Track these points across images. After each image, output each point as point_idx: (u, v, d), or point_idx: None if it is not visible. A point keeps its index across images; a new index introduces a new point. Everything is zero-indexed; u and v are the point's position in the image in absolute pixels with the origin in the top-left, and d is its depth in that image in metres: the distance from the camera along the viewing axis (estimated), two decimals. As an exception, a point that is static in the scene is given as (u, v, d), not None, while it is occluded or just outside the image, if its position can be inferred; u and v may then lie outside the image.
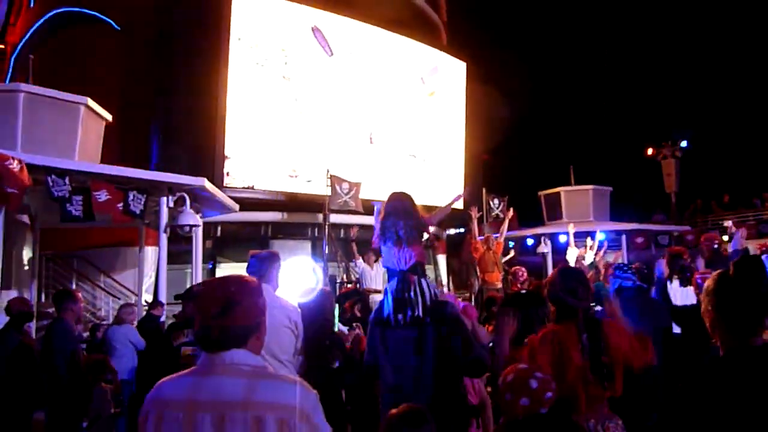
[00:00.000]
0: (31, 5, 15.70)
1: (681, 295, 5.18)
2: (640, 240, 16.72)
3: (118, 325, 6.98)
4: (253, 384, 1.64)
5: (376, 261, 10.56)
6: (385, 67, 15.44)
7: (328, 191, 12.35)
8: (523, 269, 9.37)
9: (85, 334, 8.70)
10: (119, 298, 12.11)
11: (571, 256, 11.96)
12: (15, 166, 6.46)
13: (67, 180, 7.12)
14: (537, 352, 2.68)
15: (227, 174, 12.51)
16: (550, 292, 2.88)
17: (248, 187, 12.79)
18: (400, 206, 3.49)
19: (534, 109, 22.89)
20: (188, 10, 12.95)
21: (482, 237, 10.94)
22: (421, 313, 3.30)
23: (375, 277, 10.58)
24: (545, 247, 16.56)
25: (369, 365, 3.41)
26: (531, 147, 21.90)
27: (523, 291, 6.82)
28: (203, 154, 12.41)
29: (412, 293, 3.34)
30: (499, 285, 10.17)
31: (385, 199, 3.65)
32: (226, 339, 1.69)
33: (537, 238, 16.83)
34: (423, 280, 3.42)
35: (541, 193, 18.09)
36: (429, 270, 16.69)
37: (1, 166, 6.29)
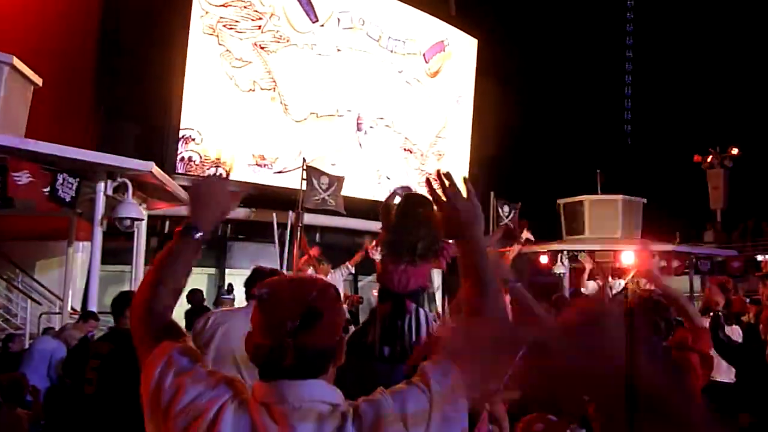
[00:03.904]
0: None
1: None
2: (676, 264, 16.82)
3: (51, 338, 6.94)
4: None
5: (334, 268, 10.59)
6: (379, 38, 15.46)
7: (303, 185, 12.30)
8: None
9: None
10: (40, 303, 12.00)
11: (590, 287, 11.99)
12: None
13: (-21, 156, 7.04)
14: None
15: (189, 159, 12.47)
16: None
17: (215, 176, 12.70)
18: (421, 214, 3.41)
19: (557, 101, 22.95)
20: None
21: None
22: (410, 350, 3.27)
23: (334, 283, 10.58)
24: (562, 267, 16.61)
25: None
26: (551, 146, 21.95)
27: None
28: (153, 133, 12.34)
29: (405, 324, 3.30)
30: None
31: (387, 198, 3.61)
32: (302, 366, 1.51)
33: (553, 255, 16.84)
34: (421, 310, 3.38)
35: (561, 201, 18.14)
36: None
37: None
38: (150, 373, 1.61)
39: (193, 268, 1.84)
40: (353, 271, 11.61)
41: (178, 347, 1.64)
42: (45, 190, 7.24)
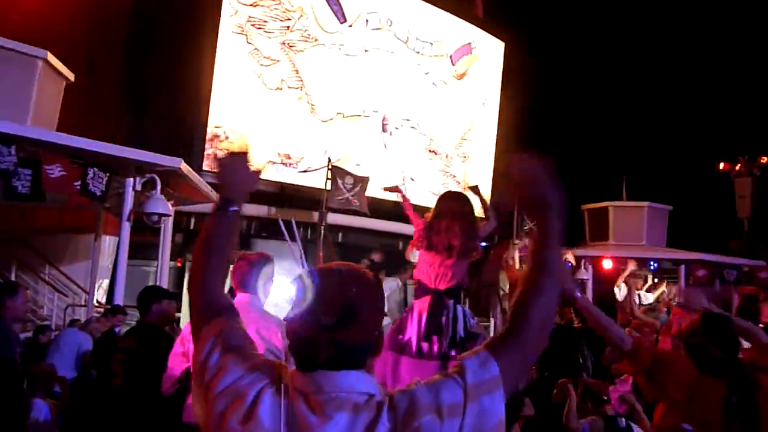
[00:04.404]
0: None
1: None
2: (701, 273, 16.65)
3: (77, 330, 7.04)
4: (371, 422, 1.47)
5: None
6: (407, 39, 15.48)
7: (328, 185, 12.35)
8: None
9: (22, 336, 8.75)
10: (66, 295, 12.19)
11: (620, 291, 11.92)
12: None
13: (13, 150, 7.15)
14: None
15: (215, 156, 12.56)
16: (690, 342, 2.90)
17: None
18: (458, 209, 3.43)
19: (583, 106, 22.82)
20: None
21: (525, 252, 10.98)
22: (447, 347, 3.27)
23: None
24: (585, 273, 16.49)
25: None
26: (577, 151, 21.81)
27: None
28: (181, 130, 12.45)
29: (443, 319, 3.29)
30: None
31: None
32: (338, 360, 1.51)
33: (576, 261, 16.73)
34: (459, 307, 3.38)
35: (585, 207, 18.05)
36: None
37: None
38: (200, 347, 1.65)
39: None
40: (400, 284, 11.80)
41: (230, 326, 1.68)
42: (76, 183, 7.35)
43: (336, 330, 1.49)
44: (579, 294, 3.31)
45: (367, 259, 11.53)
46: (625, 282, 11.92)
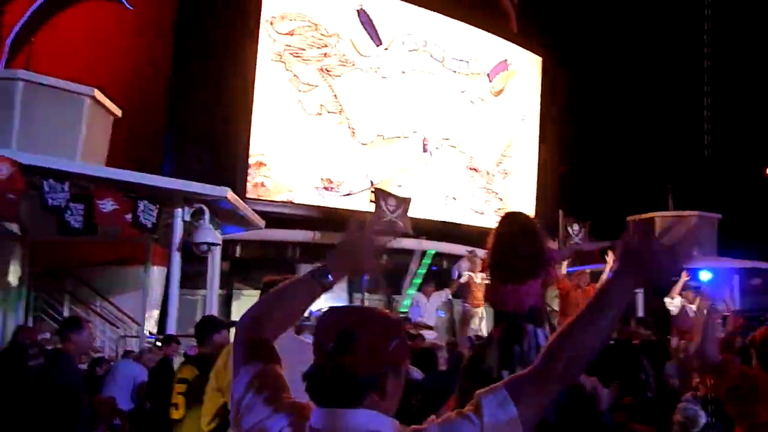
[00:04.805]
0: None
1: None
2: (756, 282, 16.21)
3: (132, 361, 7.12)
4: None
5: (436, 290, 11.62)
6: (443, 59, 15.51)
7: (370, 207, 12.39)
8: None
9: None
10: (118, 327, 12.34)
11: (674, 304, 11.67)
12: (3, 173, 6.67)
13: (66, 186, 7.31)
14: None
15: (262, 185, 12.75)
16: (762, 352, 2.85)
17: (286, 202, 13.00)
18: (518, 230, 3.36)
19: (625, 115, 22.51)
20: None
21: (572, 269, 10.85)
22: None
23: (429, 309, 11.08)
24: (635, 286, 16.20)
25: None
26: (620, 161, 21.51)
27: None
28: (224, 159, 12.63)
29: (524, 347, 3.20)
30: None
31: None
32: (337, 389, 1.54)
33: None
34: (539, 331, 3.29)
35: (631, 218, 17.73)
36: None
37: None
38: (238, 386, 1.70)
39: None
40: (450, 297, 12.09)
41: (268, 371, 1.70)
42: (127, 216, 7.48)
43: (335, 356, 1.52)
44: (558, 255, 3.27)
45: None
46: (680, 295, 11.69)
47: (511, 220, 3.47)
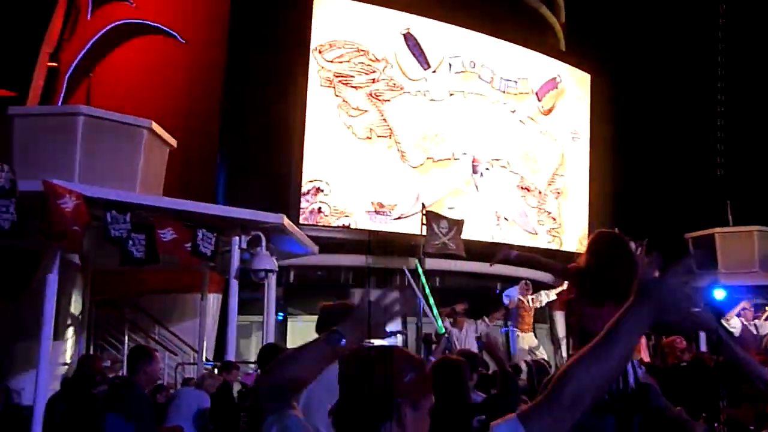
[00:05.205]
0: (89, 17, 16.89)
1: None
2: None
3: (194, 389, 7.19)
4: None
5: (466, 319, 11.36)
6: (491, 80, 15.48)
7: (423, 231, 12.35)
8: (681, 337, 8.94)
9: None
10: (176, 354, 12.49)
11: (732, 326, 11.33)
12: (69, 205, 6.84)
13: (128, 217, 7.48)
14: None
15: (320, 210, 12.85)
16: None
17: (343, 227, 13.08)
18: (615, 251, 3.27)
19: (679, 129, 22.08)
20: (263, 23, 13.56)
21: None
22: (619, 400, 3.09)
23: (462, 339, 10.93)
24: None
25: None
26: (676, 177, 21.09)
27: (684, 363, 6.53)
28: (277, 186, 12.79)
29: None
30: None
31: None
32: (357, 414, 1.65)
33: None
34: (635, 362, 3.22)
35: (689, 235, 17.34)
36: (543, 330, 16.29)
37: (55, 205, 6.68)
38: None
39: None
40: (489, 326, 11.78)
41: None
42: (187, 245, 7.60)
43: (354, 386, 1.67)
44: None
45: (451, 308, 11.62)
46: (739, 315, 11.39)
47: (605, 239, 3.38)
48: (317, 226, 12.81)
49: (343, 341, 1.90)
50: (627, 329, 1.59)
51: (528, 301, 12.93)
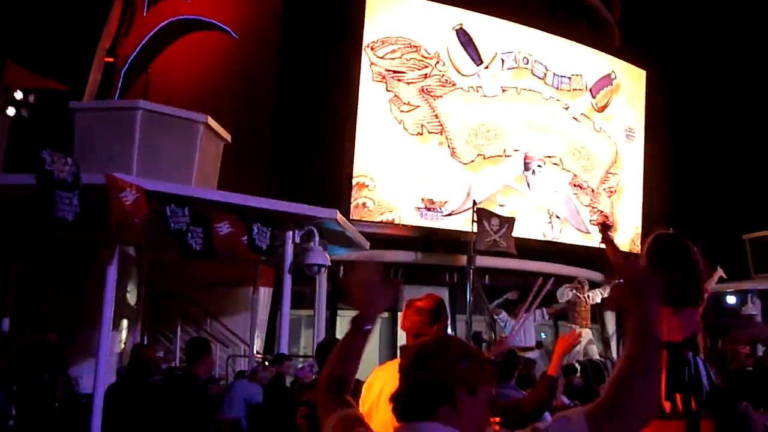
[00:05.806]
0: (145, 14, 17.21)
1: None
2: None
3: (248, 381, 7.28)
4: None
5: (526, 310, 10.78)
6: (544, 76, 15.29)
7: (473, 228, 12.27)
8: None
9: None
10: (227, 346, 12.65)
11: None
12: (129, 198, 6.96)
13: (186, 210, 7.58)
14: None
15: (364, 205, 12.88)
16: None
17: (388, 222, 13.07)
18: (674, 253, 3.18)
19: (738, 127, 21.51)
20: (315, 19, 13.63)
21: None
22: (695, 404, 3.02)
23: (517, 329, 10.84)
24: (753, 308, 15.47)
25: None
26: (734, 176, 20.58)
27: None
28: (328, 181, 12.84)
29: (686, 376, 3.06)
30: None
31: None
32: (413, 399, 1.70)
33: (741, 296, 15.76)
34: (698, 359, 3.14)
35: (747, 236, 16.94)
36: (593, 331, 16.04)
37: (116, 198, 6.80)
38: (327, 428, 1.94)
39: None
40: (547, 318, 11.76)
41: (346, 412, 1.94)
42: (243, 239, 7.68)
43: (411, 373, 1.73)
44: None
45: (504, 298, 11.78)
46: None
47: (664, 241, 3.30)
48: (367, 222, 12.81)
49: (366, 325, 2.05)
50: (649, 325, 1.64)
51: (585, 298, 12.88)
